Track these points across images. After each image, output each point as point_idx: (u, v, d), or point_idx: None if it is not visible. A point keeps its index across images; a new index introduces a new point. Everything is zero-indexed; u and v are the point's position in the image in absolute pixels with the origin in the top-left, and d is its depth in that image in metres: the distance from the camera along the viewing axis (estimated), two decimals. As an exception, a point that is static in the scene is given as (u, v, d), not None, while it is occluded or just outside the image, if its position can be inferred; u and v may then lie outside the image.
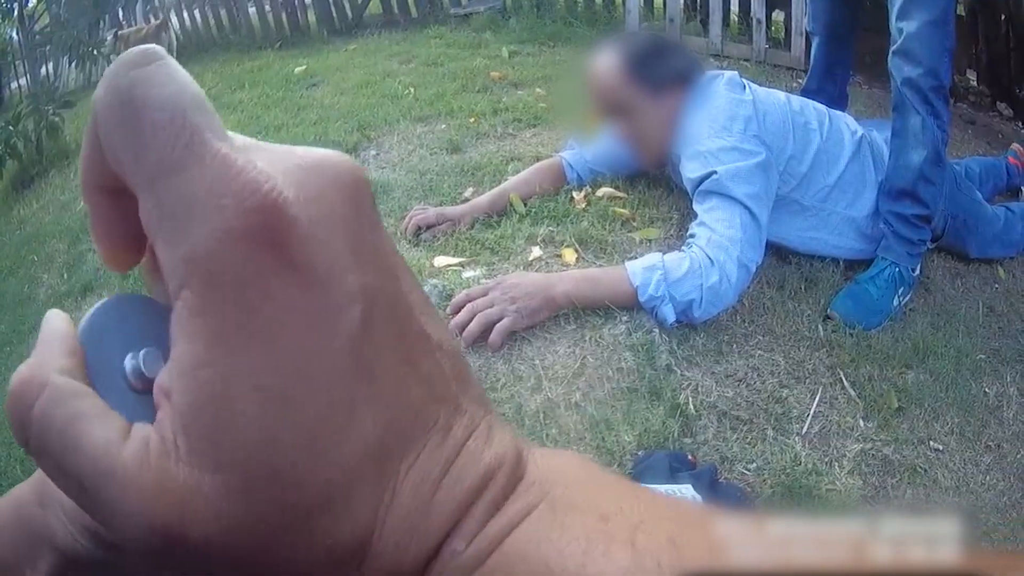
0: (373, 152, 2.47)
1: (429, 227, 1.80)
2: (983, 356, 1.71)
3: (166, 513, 0.17)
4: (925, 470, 1.40)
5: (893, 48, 1.73)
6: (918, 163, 1.70)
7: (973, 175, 2.19)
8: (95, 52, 5.18)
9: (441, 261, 1.66)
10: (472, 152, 2.32)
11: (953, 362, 1.63)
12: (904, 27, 1.68)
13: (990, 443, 1.50)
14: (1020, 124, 3.29)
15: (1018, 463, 1.46)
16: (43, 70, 5.23)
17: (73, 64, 5.26)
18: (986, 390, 1.62)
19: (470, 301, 1.42)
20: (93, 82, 5.34)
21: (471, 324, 1.39)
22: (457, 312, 1.42)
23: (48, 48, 5.16)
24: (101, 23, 5.30)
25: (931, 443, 1.46)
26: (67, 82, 5.33)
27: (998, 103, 3.39)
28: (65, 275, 2.53)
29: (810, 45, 2.81)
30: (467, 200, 1.93)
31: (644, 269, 1.44)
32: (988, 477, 1.43)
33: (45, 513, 0.27)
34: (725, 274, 1.43)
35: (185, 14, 5.54)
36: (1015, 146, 2.46)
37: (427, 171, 2.19)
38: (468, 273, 1.59)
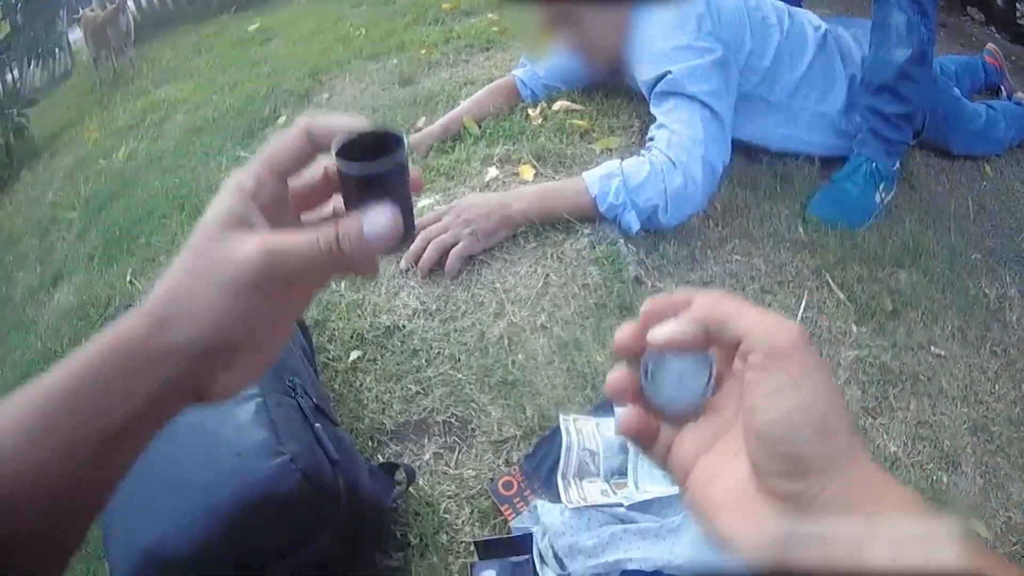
0: (326, 95, 2.39)
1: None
2: (978, 255, 1.62)
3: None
4: (928, 378, 1.28)
5: None
6: (900, 61, 1.61)
7: (949, 72, 2.13)
8: (55, 48, 5.13)
9: (396, 193, 1.55)
10: (425, 82, 2.24)
11: (947, 262, 1.53)
12: None
13: (995, 348, 1.39)
14: (992, 29, 3.20)
15: (1029, 370, 1.34)
16: (9, 77, 5.13)
17: (35, 64, 5.18)
18: (985, 291, 1.52)
19: (423, 229, 1.31)
20: (56, 78, 5.30)
21: (426, 252, 1.29)
22: (411, 243, 1.32)
23: (10, 54, 5.05)
24: (57, 19, 5.18)
25: (932, 348, 1.34)
26: (32, 82, 5.25)
27: (968, 7, 3.30)
28: (38, 268, 2.47)
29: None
30: (420, 130, 1.83)
31: (601, 177, 1.34)
32: (997, 386, 1.31)
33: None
34: (690, 175, 1.34)
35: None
36: (990, 45, 2.41)
37: (380, 106, 2.11)
38: (424, 201, 1.48)
